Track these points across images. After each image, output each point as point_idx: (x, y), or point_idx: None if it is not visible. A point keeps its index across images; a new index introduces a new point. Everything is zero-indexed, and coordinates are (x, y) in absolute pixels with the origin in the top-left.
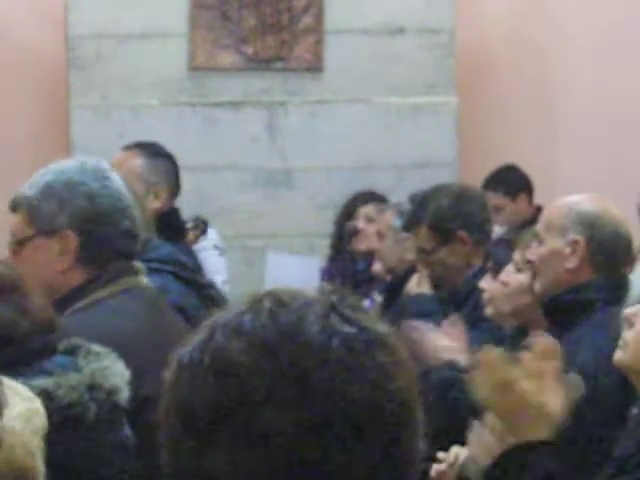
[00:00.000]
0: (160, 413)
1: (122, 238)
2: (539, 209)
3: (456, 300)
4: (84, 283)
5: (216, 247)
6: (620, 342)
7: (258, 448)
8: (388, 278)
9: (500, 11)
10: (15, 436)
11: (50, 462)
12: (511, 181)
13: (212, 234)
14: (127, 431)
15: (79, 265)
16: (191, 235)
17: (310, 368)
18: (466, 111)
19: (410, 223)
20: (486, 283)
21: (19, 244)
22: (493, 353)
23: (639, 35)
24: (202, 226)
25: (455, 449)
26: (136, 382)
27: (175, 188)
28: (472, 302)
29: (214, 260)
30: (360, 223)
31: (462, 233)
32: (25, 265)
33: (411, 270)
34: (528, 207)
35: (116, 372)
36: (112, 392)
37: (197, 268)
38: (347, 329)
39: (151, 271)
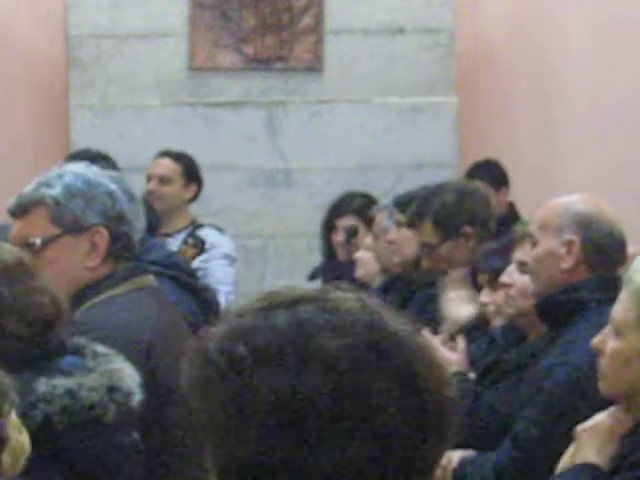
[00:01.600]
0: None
1: (136, 237)
2: (512, 205)
3: None
4: (99, 280)
5: (226, 256)
6: (599, 374)
7: (365, 441)
8: (377, 282)
9: (500, 11)
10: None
11: (67, 461)
12: (495, 174)
13: (224, 242)
14: (136, 434)
15: (107, 261)
16: (189, 252)
17: (411, 363)
18: (466, 111)
19: (414, 219)
20: (487, 296)
21: (42, 245)
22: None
23: (638, 35)
24: (200, 245)
25: (448, 453)
26: (156, 376)
27: None
28: None
29: (222, 270)
30: (339, 237)
31: (467, 229)
32: (49, 265)
33: (406, 272)
34: (506, 202)
35: (129, 375)
36: (128, 394)
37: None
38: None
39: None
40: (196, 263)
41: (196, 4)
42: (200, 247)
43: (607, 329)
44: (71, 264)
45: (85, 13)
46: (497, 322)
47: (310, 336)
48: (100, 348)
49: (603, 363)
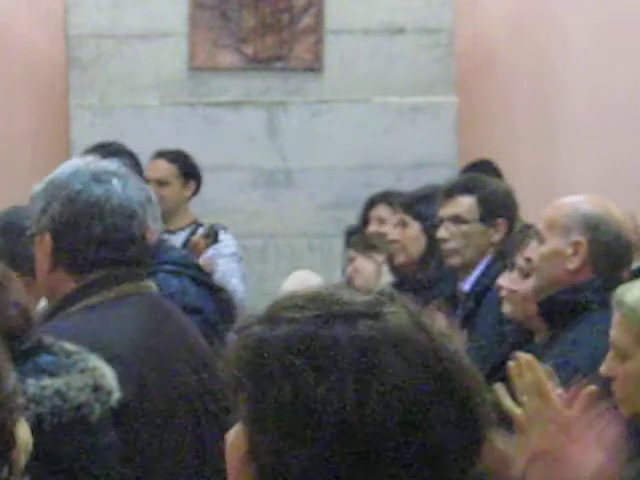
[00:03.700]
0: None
1: (95, 244)
2: None
3: (475, 298)
4: (77, 289)
5: (233, 254)
6: (615, 399)
7: (422, 468)
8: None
9: (500, 11)
10: None
11: (54, 462)
12: (489, 174)
13: (228, 240)
14: (115, 434)
15: (59, 268)
16: (202, 243)
17: (471, 393)
18: (466, 111)
19: (457, 189)
20: (504, 280)
21: (29, 240)
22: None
23: (638, 35)
24: (213, 235)
25: None
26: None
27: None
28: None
29: (227, 266)
30: (372, 227)
31: (503, 221)
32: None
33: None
34: None
35: (108, 373)
36: (110, 393)
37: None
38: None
39: (169, 273)
40: (204, 258)
41: (196, 4)
42: (213, 237)
43: (610, 356)
44: (37, 266)
45: (85, 13)
46: (507, 308)
47: (373, 358)
48: (69, 346)
49: (618, 391)
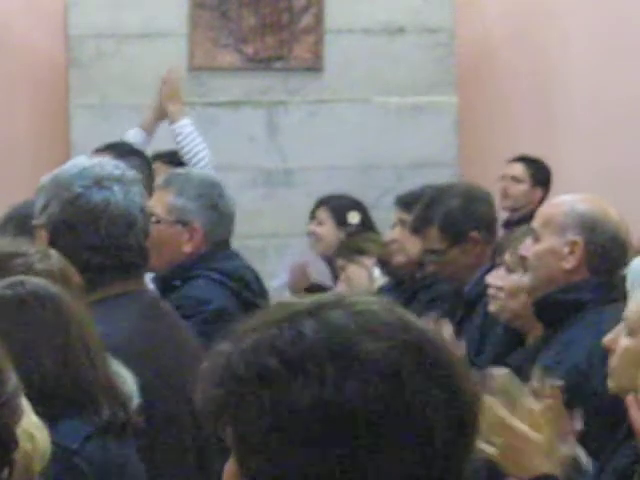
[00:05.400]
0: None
1: (88, 250)
2: None
3: (467, 303)
4: None
5: None
6: (608, 369)
7: (414, 445)
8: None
9: (500, 10)
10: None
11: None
12: (541, 170)
13: None
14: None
15: None
16: None
17: (447, 362)
18: (466, 111)
19: (419, 225)
20: (490, 277)
21: None
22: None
23: (638, 35)
24: None
25: None
26: None
27: (152, 186)
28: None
29: None
30: (312, 226)
31: (474, 233)
32: None
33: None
34: (537, 203)
35: (129, 378)
36: (129, 398)
37: (260, 289)
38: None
39: (211, 281)
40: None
41: (196, 4)
42: None
43: (619, 327)
44: None
45: (85, 13)
46: (492, 307)
47: (345, 341)
48: None
49: (613, 361)
